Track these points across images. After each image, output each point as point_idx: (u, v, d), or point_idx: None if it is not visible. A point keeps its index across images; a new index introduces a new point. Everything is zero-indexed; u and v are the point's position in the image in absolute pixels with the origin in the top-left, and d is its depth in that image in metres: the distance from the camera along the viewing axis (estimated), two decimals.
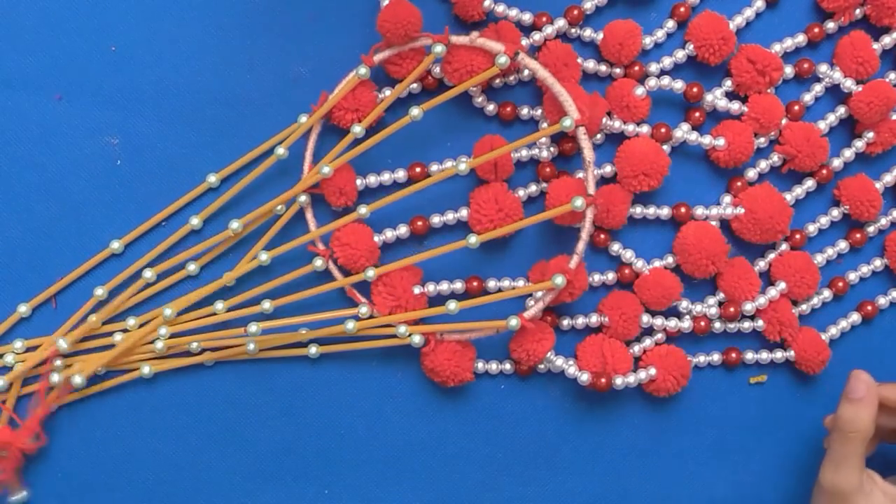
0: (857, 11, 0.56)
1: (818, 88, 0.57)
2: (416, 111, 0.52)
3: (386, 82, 0.54)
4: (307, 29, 0.54)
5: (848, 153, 0.57)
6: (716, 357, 0.58)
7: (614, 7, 0.56)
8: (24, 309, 0.53)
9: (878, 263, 0.59)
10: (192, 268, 0.54)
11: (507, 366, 0.57)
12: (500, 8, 0.54)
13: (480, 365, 0.56)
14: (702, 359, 0.58)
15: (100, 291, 0.53)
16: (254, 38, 0.54)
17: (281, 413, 0.56)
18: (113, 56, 0.53)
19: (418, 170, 0.55)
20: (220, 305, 0.53)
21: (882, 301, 0.60)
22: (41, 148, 0.53)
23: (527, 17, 0.54)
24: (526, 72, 0.54)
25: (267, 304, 0.53)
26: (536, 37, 0.54)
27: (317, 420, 0.57)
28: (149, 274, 0.53)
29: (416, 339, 0.53)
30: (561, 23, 0.54)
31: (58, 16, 0.53)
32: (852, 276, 0.59)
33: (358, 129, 0.52)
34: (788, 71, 0.56)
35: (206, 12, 0.54)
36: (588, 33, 0.55)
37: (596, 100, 0.54)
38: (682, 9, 0.55)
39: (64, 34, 0.53)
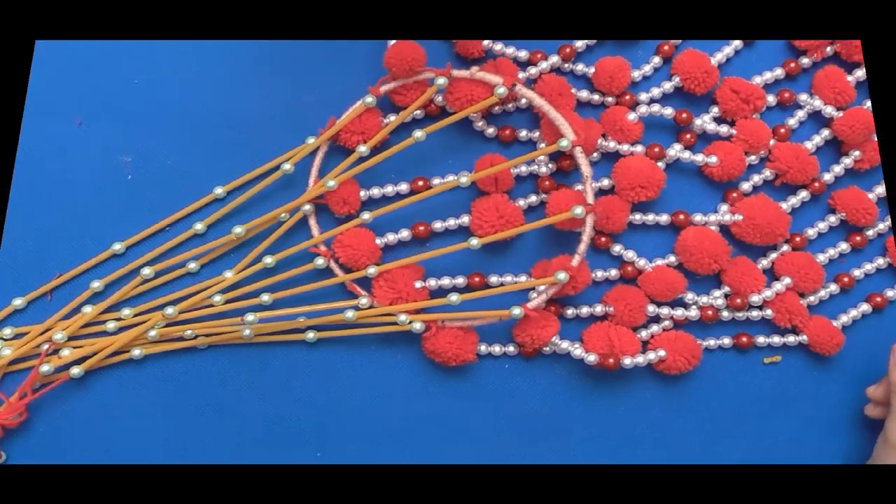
0: (829, 49, 0.60)
1: (801, 114, 0.59)
2: (419, 133, 0.54)
3: (391, 109, 0.56)
4: (317, 68, 0.57)
5: (838, 168, 0.59)
6: (726, 341, 0.56)
7: (603, 46, 0.59)
8: (18, 301, 0.53)
9: (881, 262, 0.59)
10: (193, 266, 0.54)
11: (511, 348, 0.55)
12: (499, 46, 0.57)
13: (483, 347, 0.54)
14: (712, 342, 0.56)
15: (96, 284, 0.53)
16: (268, 77, 0.57)
17: (278, 389, 0.54)
18: (135, 87, 0.56)
19: (420, 183, 0.56)
20: (217, 298, 0.53)
21: (890, 293, 0.59)
22: (59, 165, 0.54)
23: (523, 55, 0.58)
24: (523, 100, 0.57)
25: (266, 297, 0.52)
26: (532, 71, 0.57)
27: (313, 396, 0.54)
28: (147, 271, 0.53)
29: (417, 326, 0.52)
30: (555, 59, 0.58)
31: (88, 52, 0.56)
32: (857, 273, 0.58)
33: (363, 149, 0.54)
34: (771, 99, 0.59)
35: (225, 52, 0.57)
36: (581, 67, 0.58)
37: (591, 124, 0.56)
38: (665, 47, 0.59)
39: (89, 67, 0.56)
